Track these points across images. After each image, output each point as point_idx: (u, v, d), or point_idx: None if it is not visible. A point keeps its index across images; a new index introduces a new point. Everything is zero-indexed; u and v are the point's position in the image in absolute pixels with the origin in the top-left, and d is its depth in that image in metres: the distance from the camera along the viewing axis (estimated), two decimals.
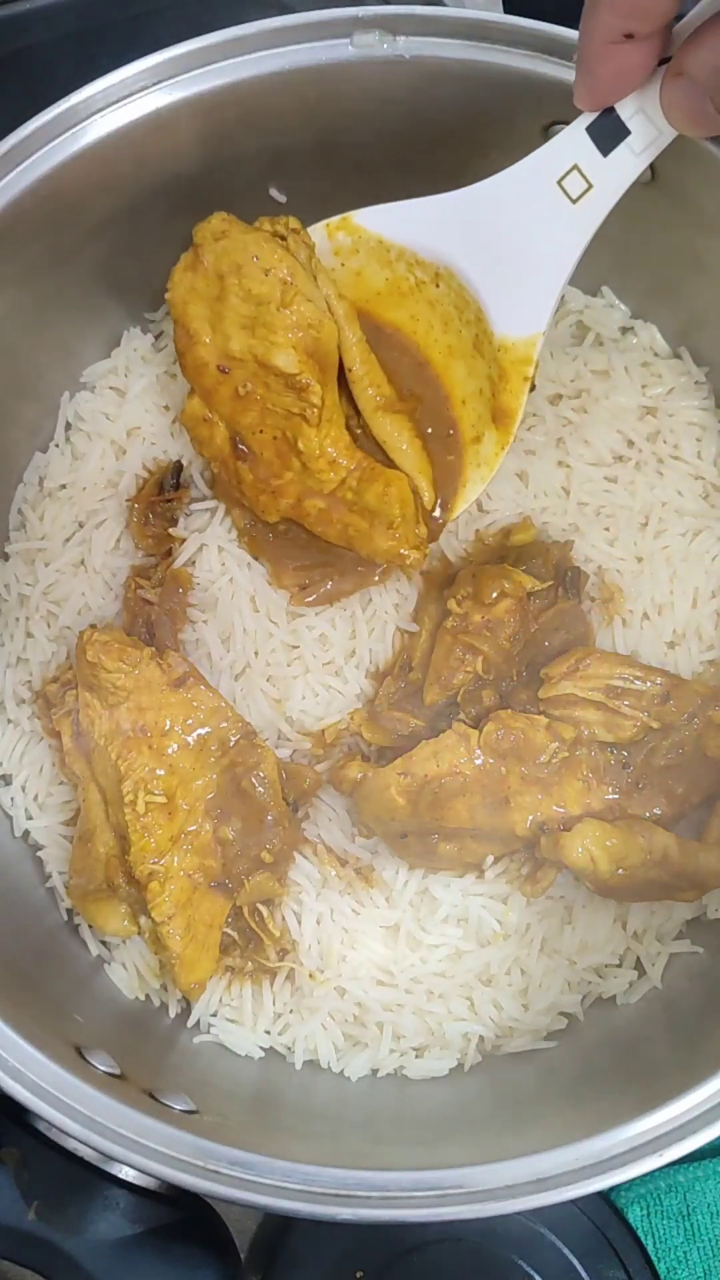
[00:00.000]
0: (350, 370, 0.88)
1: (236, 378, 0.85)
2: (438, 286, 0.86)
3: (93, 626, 0.90)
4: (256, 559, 0.93)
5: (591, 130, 0.74)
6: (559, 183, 0.77)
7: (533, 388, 0.84)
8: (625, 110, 0.72)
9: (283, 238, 0.84)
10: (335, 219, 0.87)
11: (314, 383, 0.84)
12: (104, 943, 0.92)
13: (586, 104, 0.73)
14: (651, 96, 0.70)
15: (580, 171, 0.76)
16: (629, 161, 0.74)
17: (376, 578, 0.92)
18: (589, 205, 0.77)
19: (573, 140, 0.76)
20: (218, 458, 0.90)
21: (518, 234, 0.80)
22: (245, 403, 0.86)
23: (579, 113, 0.75)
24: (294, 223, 0.85)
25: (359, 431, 0.90)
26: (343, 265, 0.88)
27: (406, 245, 0.86)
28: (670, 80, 0.66)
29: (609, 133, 0.74)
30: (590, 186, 0.76)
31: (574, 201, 0.77)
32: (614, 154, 0.74)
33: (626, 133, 0.73)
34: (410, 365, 0.91)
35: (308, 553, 0.92)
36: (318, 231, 0.88)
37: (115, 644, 0.87)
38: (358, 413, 0.90)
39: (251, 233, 0.84)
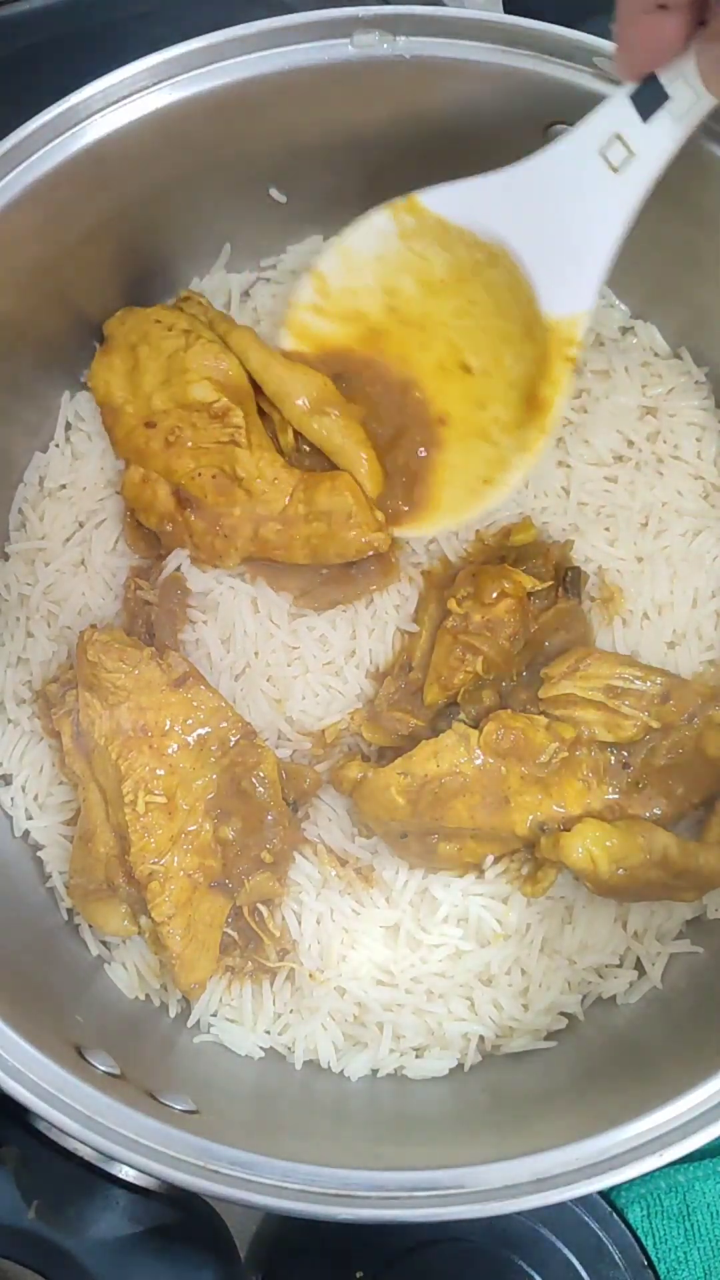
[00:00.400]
0: (266, 385, 0.91)
1: (164, 427, 0.90)
2: (494, 268, 0.85)
3: (93, 626, 0.90)
4: (253, 583, 0.94)
5: (634, 97, 0.74)
6: (602, 153, 0.76)
7: (576, 370, 0.83)
8: (664, 75, 0.71)
9: (178, 303, 0.96)
10: (401, 200, 0.87)
11: (234, 406, 0.89)
12: (104, 943, 0.92)
13: (625, 74, 0.72)
14: (690, 61, 0.69)
15: (622, 140, 0.75)
16: (668, 128, 0.73)
17: (374, 586, 0.93)
18: (631, 175, 0.76)
19: (615, 108, 0.75)
20: (165, 516, 0.91)
21: (564, 209, 0.80)
22: (177, 450, 0.90)
23: (579, 112, 0.75)
24: (186, 292, 0.97)
25: (294, 456, 0.93)
26: (408, 249, 0.88)
27: (465, 226, 0.85)
28: (706, 43, 0.65)
29: (650, 99, 0.73)
30: (632, 154, 0.75)
31: (616, 171, 0.76)
32: (654, 120, 0.73)
33: (666, 98, 0.72)
34: (397, 388, 0.92)
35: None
36: (381, 213, 0.88)
37: (115, 644, 0.87)
38: (299, 443, 0.93)
39: (150, 309, 0.95)
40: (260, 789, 0.86)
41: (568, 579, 0.92)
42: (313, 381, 0.90)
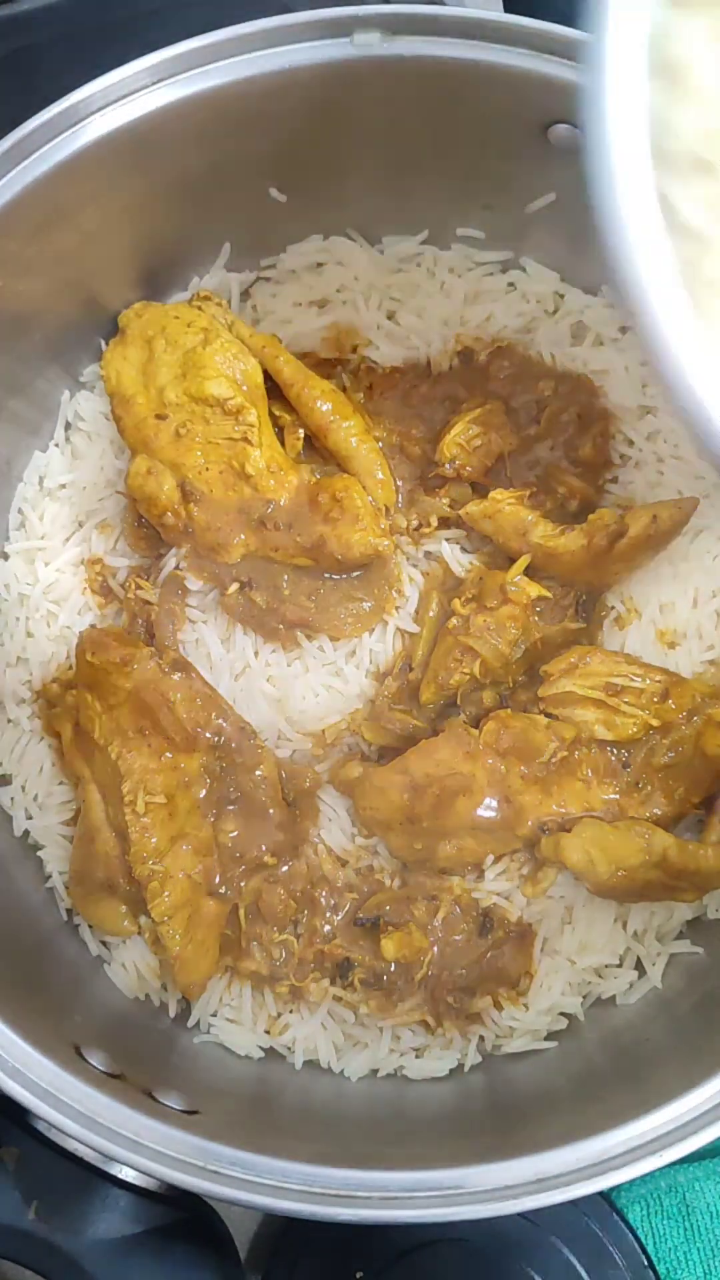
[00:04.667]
0: (290, 388, 0.93)
1: (175, 420, 0.90)
2: None
3: (93, 626, 0.90)
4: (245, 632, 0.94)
5: None
6: None
7: None
8: None
9: (196, 302, 0.96)
10: None
11: (248, 404, 0.90)
12: (104, 943, 0.92)
13: None
14: None
15: None
16: None
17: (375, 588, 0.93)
18: None
19: None
20: (169, 508, 0.91)
21: None
22: (187, 443, 0.90)
23: (579, 112, 0.74)
24: (204, 292, 0.96)
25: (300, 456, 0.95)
26: None
27: None
28: None
29: None
30: None
31: None
32: None
33: None
34: None
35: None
36: None
37: (115, 644, 0.87)
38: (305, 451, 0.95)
39: (169, 305, 0.96)
40: (260, 789, 0.86)
41: (583, 601, 0.92)
42: (336, 391, 0.94)
